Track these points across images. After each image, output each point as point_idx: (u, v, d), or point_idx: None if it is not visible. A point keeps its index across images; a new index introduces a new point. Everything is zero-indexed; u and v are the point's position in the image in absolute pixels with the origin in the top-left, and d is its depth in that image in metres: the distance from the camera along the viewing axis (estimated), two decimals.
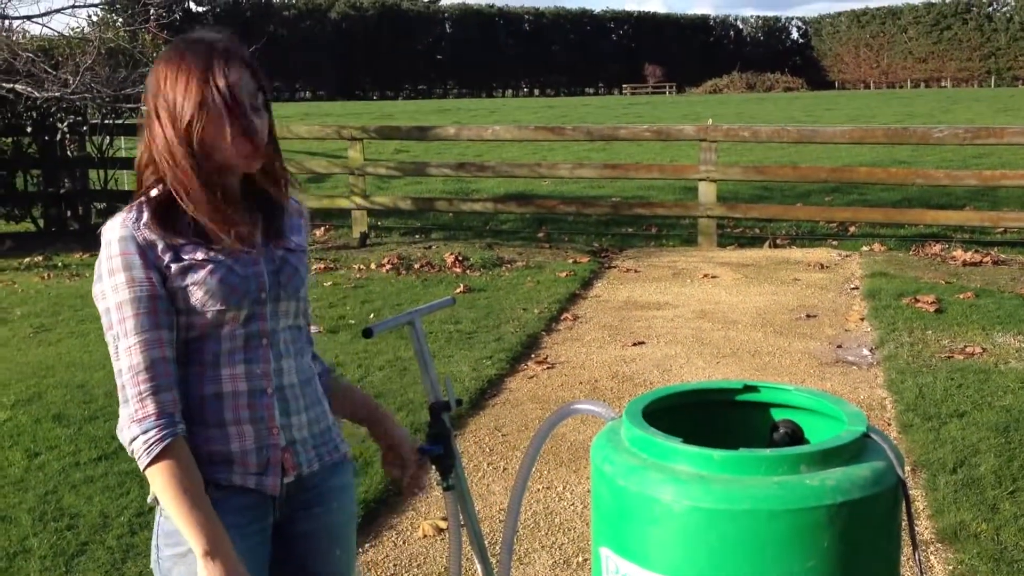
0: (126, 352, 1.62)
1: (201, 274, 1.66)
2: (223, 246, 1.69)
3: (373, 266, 8.56)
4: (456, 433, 4.57)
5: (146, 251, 1.64)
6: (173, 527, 1.65)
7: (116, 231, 1.65)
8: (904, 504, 1.64)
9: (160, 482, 1.61)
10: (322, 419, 1.83)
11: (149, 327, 1.62)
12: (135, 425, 1.61)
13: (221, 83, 1.64)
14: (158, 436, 1.60)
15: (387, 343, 5.86)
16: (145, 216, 1.67)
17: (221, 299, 1.67)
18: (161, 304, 1.64)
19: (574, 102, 52.07)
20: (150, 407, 1.61)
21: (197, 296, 1.66)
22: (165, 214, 1.67)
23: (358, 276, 8.21)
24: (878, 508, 1.57)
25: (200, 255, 1.67)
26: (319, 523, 1.82)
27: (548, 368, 5.60)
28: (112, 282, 1.63)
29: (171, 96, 1.65)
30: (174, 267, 1.65)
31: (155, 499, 1.69)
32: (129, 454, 1.64)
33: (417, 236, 10.14)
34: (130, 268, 1.63)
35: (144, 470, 1.62)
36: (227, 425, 1.69)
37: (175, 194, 1.68)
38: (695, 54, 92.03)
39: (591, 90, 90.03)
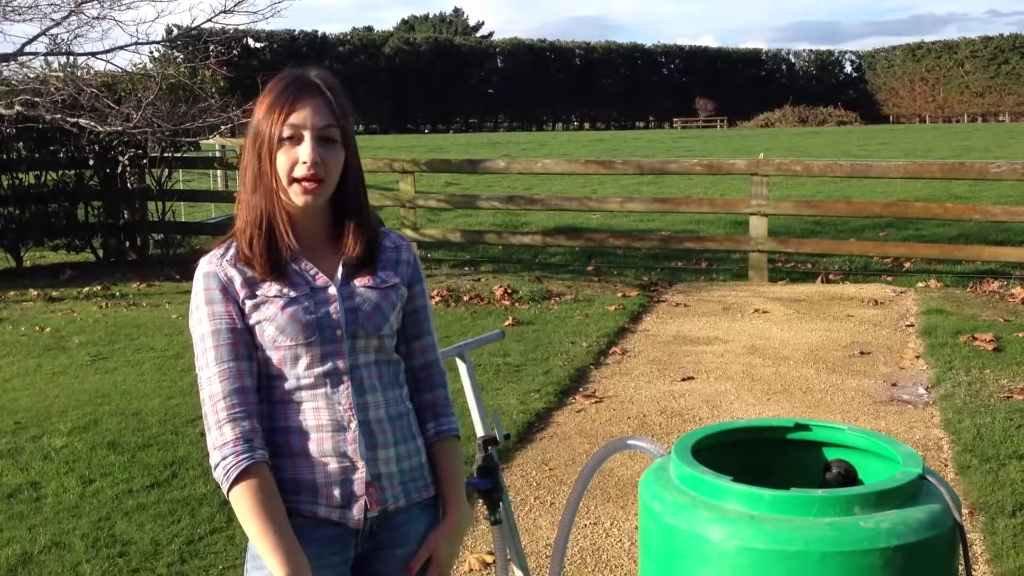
0: (207, 381, 1.69)
1: (272, 310, 1.71)
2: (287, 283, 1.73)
3: None
4: (503, 467, 4.56)
5: (227, 287, 1.72)
6: (255, 549, 1.69)
7: (203, 267, 1.74)
8: (961, 548, 1.60)
9: (240, 506, 1.65)
10: (413, 455, 1.81)
11: (228, 358, 1.68)
12: (216, 452, 1.67)
13: (280, 110, 1.69)
14: (235, 462, 1.64)
15: None
16: (231, 252, 1.74)
17: (291, 335, 1.70)
18: (241, 336, 1.70)
19: (624, 135, 52.14)
20: (228, 434, 1.66)
21: (269, 332, 1.71)
22: (248, 241, 1.73)
23: None
24: (934, 552, 1.54)
25: (274, 291, 1.72)
26: (399, 564, 1.81)
27: (596, 402, 5.57)
28: (197, 315, 1.72)
29: (253, 124, 1.73)
30: (249, 303, 1.71)
31: None
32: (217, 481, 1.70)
33: (466, 268, 10.18)
34: (212, 303, 1.71)
35: (227, 495, 1.67)
36: (311, 457, 1.72)
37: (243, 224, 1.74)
38: (746, 88, 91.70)
39: (641, 124, 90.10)
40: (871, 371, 6.09)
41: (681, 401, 5.55)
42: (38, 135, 10.27)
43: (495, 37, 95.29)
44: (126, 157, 10.49)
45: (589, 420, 5.27)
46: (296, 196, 1.71)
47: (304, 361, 1.71)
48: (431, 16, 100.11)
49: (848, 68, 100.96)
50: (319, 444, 1.72)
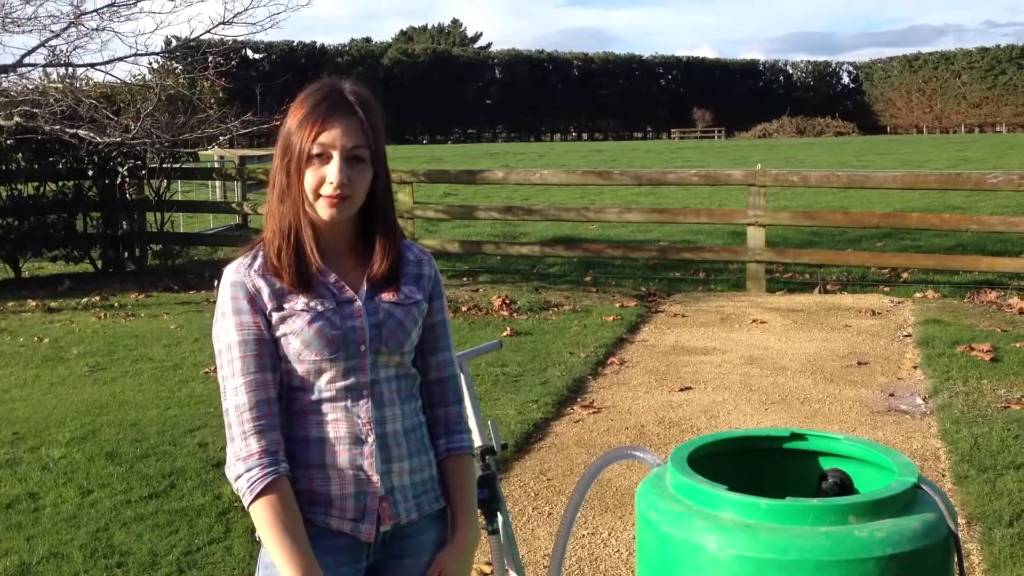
0: (233, 392, 1.69)
1: (298, 324, 1.71)
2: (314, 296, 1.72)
3: None
4: (501, 477, 4.57)
5: (254, 297, 1.72)
6: (271, 559, 1.71)
7: (230, 276, 1.74)
8: (956, 558, 1.61)
9: (261, 519, 1.66)
10: (426, 468, 1.82)
11: (255, 369, 1.69)
12: (240, 463, 1.67)
13: (311, 127, 1.68)
14: (261, 474, 1.65)
15: None
16: (258, 261, 1.74)
17: (316, 350, 1.71)
18: (267, 348, 1.70)
19: (622, 146, 52.25)
20: (254, 446, 1.67)
21: (294, 346, 1.71)
22: (276, 252, 1.73)
23: None
24: (929, 561, 1.54)
25: (300, 305, 1.72)
26: (408, 575, 1.82)
27: (594, 412, 5.57)
28: (223, 324, 1.72)
29: (283, 134, 1.73)
30: (275, 315, 1.71)
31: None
32: (234, 491, 1.70)
33: (465, 279, 10.20)
34: (239, 313, 1.71)
35: (248, 507, 1.67)
36: (327, 469, 1.73)
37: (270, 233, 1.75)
38: (744, 99, 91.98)
39: (639, 134, 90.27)
40: (869, 381, 6.10)
41: (679, 411, 5.56)
42: (37, 146, 10.27)
43: (493, 48, 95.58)
44: (125, 168, 10.51)
45: (587, 430, 5.27)
46: (322, 210, 1.71)
47: (327, 375, 1.72)
48: (429, 27, 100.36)
49: (845, 79, 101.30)
50: (335, 456, 1.73)
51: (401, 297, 1.79)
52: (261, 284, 1.72)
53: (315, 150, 1.68)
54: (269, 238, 1.75)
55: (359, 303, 1.75)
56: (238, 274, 1.74)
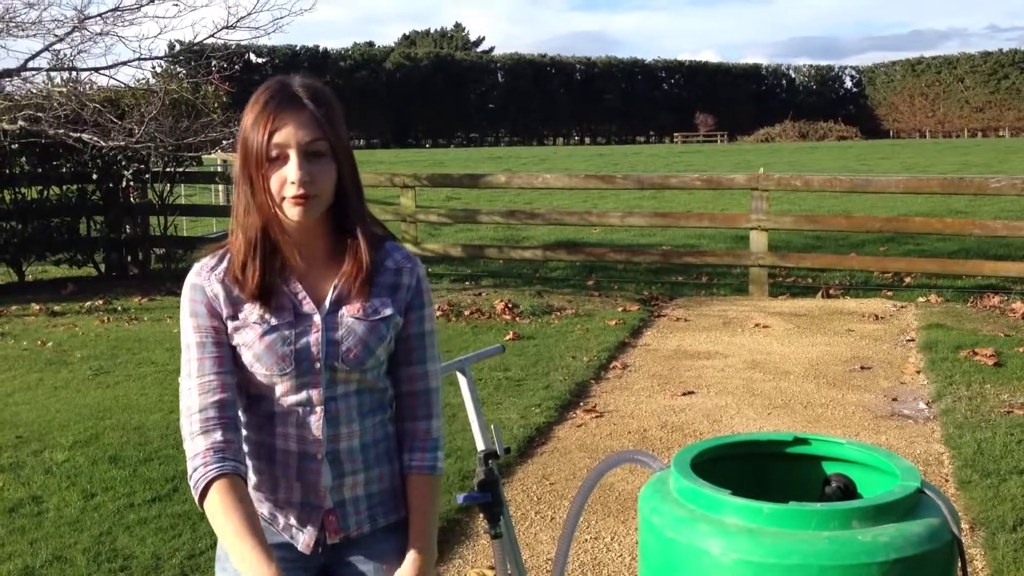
0: (186, 392, 1.68)
1: (250, 336, 1.68)
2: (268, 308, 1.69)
3: None
4: (504, 481, 4.57)
5: (212, 302, 1.69)
6: (222, 552, 1.73)
7: (191, 278, 1.72)
8: (960, 563, 1.61)
9: (209, 515, 1.64)
10: (386, 479, 1.78)
11: (208, 371, 1.67)
12: (189, 463, 1.66)
13: (263, 129, 1.62)
14: (203, 473, 1.62)
15: None
16: (222, 265, 1.70)
17: (267, 366, 1.68)
18: (224, 351, 1.68)
19: (625, 150, 52.28)
20: (200, 445, 1.64)
21: (246, 357, 1.69)
22: (241, 265, 1.68)
23: None
24: (932, 566, 1.54)
25: (255, 316, 1.68)
26: None
27: (597, 417, 5.57)
28: (183, 324, 1.71)
29: (240, 139, 1.68)
30: (231, 324, 1.69)
31: None
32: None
33: (467, 283, 10.20)
34: (196, 316, 1.69)
35: (201, 507, 1.65)
36: (278, 478, 1.73)
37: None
38: (747, 103, 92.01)
39: (642, 138, 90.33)
40: (872, 386, 6.10)
41: (681, 416, 5.56)
42: (41, 150, 10.30)
43: (496, 52, 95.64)
44: (129, 172, 10.53)
45: (590, 434, 5.27)
46: (289, 211, 1.64)
47: (280, 388, 1.70)
48: (432, 31, 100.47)
49: (848, 83, 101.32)
50: (285, 468, 1.72)
51: (368, 311, 1.71)
52: (219, 290, 1.69)
53: (272, 152, 1.61)
54: (235, 250, 1.69)
55: (318, 318, 1.69)
56: (199, 276, 1.70)
